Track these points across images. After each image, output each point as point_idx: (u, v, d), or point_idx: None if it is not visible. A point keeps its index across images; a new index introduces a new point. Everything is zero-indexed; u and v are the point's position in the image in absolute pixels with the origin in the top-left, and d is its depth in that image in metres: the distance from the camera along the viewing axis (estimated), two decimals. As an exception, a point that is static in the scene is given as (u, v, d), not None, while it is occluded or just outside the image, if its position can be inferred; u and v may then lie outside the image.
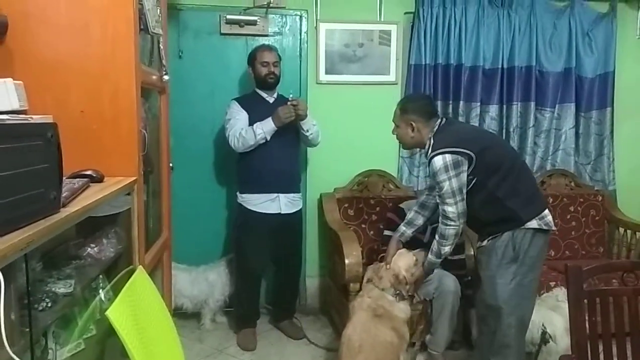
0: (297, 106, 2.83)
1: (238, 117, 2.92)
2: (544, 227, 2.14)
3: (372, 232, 3.29)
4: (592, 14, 3.52)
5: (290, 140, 3.03)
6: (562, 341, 2.50)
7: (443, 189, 2.11)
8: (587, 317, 1.69)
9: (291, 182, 3.05)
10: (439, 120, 2.28)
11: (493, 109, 3.50)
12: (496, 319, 2.16)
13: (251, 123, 2.89)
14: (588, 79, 3.56)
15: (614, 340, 1.71)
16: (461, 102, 3.44)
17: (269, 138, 2.85)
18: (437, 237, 2.23)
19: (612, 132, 3.64)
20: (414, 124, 2.28)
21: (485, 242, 2.20)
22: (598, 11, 3.53)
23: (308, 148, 3.39)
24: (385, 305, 2.25)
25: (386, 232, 2.94)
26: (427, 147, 2.23)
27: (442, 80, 3.43)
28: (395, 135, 2.42)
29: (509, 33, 3.44)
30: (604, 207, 3.55)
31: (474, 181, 2.12)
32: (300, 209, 3.15)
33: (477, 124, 3.46)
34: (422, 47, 3.38)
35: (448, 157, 2.09)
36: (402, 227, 2.52)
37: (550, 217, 2.18)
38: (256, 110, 2.93)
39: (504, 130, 3.55)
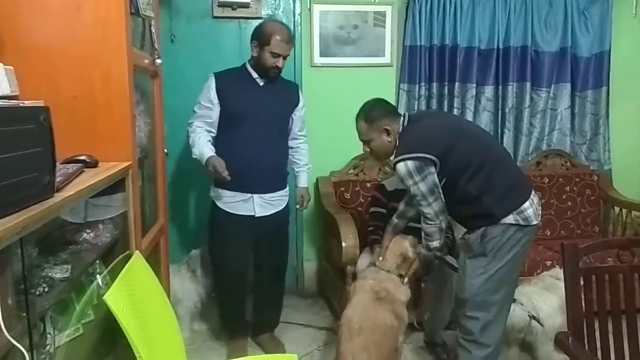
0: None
1: (206, 106, 2.52)
2: (521, 223, 2.01)
3: (368, 215, 3.29)
4: (587, -8, 3.50)
5: (279, 134, 2.65)
6: (552, 321, 2.52)
7: (413, 193, 2.05)
8: (583, 295, 1.70)
9: (272, 181, 2.63)
10: (402, 118, 2.18)
11: (489, 90, 3.48)
12: (462, 312, 2.13)
13: (236, 103, 2.52)
14: (584, 59, 3.55)
15: (609, 318, 1.73)
16: (457, 84, 3.43)
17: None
18: (422, 234, 2.17)
19: (607, 111, 3.64)
20: (388, 128, 2.16)
21: (464, 236, 2.16)
22: (594, -11, 3.51)
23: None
24: (389, 287, 2.25)
25: (372, 209, 2.95)
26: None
27: (437, 62, 3.41)
28: (369, 153, 2.27)
29: (504, 13, 3.41)
30: (600, 186, 3.56)
31: (444, 181, 2.05)
32: (283, 209, 2.70)
33: (472, 105, 3.46)
34: (417, 28, 3.35)
35: (410, 163, 2.00)
36: (394, 220, 2.45)
37: (530, 211, 2.03)
38: (243, 90, 2.54)
39: (499, 111, 3.55)
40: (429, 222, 2.10)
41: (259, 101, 2.54)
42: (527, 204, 2.03)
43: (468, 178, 2.03)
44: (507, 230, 2.01)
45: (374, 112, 2.21)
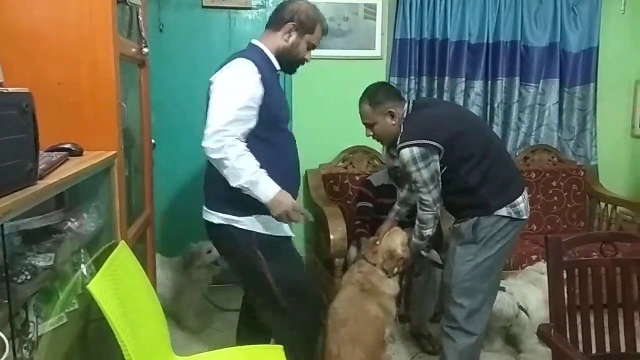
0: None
1: (250, 107, 1.83)
2: (513, 216, 2.05)
3: (355, 210, 3.29)
4: (577, -12, 3.52)
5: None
6: (537, 314, 2.56)
7: (414, 179, 2.06)
8: (565, 288, 1.72)
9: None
10: (407, 105, 2.18)
11: (478, 85, 3.50)
12: (447, 298, 2.15)
13: (275, 102, 1.92)
14: (572, 54, 3.58)
15: (591, 311, 1.75)
16: (446, 78, 3.44)
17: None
18: (417, 221, 2.18)
19: (594, 107, 3.68)
20: (393, 111, 2.15)
21: (455, 225, 2.18)
22: (583, -15, 3.53)
23: (293, 123, 3.37)
24: (374, 280, 2.25)
25: (359, 204, 2.96)
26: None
27: (427, 56, 3.42)
28: (372, 136, 2.25)
29: (494, 7, 3.43)
30: (586, 182, 3.60)
31: (445, 169, 2.06)
32: None
33: (462, 100, 3.47)
34: (407, 21, 3.35)
35: (415, 149, 2.01)
36: (396, 206, 2.50)
37: (522, 205, 2.08)
38: (274, 84, 1.97)
39: (488, 106, 3.56)
40: (426, 209, 2.11)
41: (284, 98, 2.09)
42: (520, 199, 2.09)
43: (469, 169, 2.05)
44: (498, 221, 2.05)
45: (378, 95, 2.19)
